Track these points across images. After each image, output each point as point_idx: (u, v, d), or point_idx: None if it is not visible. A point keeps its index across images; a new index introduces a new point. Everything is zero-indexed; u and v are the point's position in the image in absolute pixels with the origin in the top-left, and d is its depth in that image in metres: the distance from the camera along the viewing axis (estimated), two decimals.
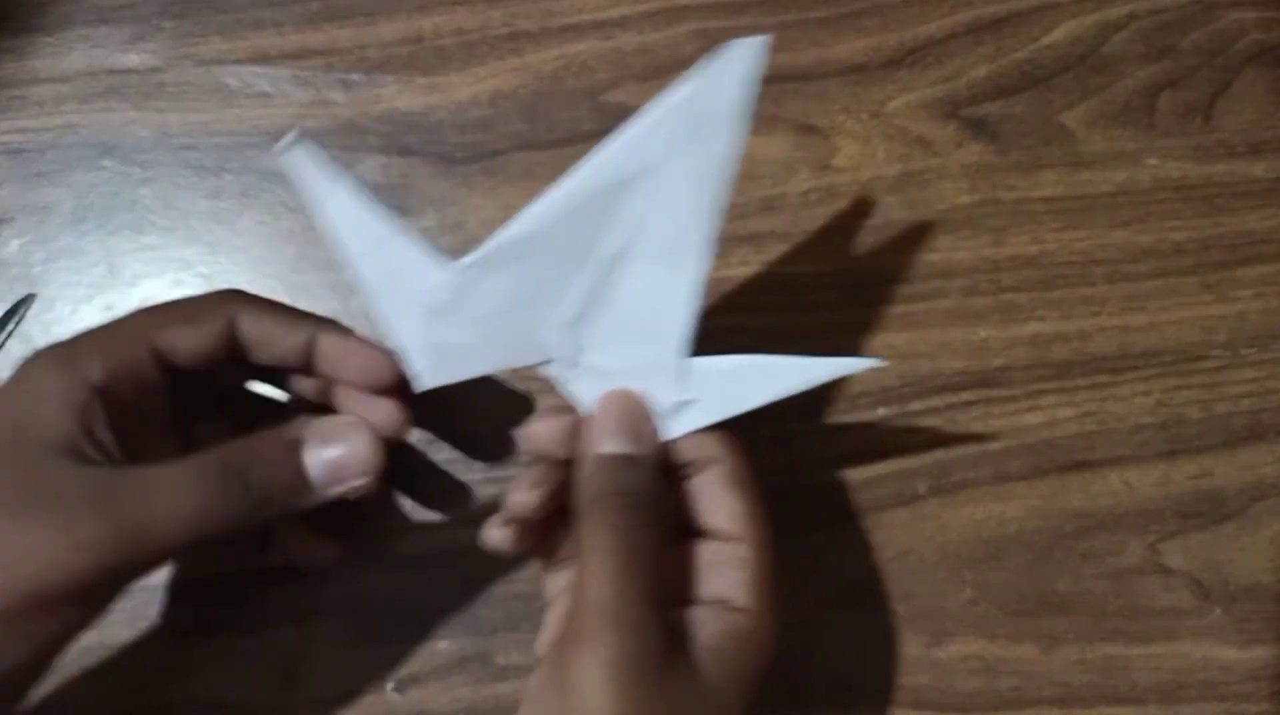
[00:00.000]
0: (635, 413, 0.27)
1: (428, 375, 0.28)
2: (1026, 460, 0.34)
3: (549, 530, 0.29)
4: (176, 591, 0.33)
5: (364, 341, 0.28)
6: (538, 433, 0.27)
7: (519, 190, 0.37)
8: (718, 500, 0.27)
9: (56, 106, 0.38)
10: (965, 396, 0.34)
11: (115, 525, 0.23)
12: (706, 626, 0.25)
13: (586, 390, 0.28)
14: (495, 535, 0.28)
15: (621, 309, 0.27)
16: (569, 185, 0.26)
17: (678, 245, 0.25)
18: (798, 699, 0.32)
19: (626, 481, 0.26)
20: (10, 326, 0.36)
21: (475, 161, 0.37)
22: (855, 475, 0.34)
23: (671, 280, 0.26)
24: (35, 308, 0.36)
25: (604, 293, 0.26)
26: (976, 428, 0.34)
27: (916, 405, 0.34)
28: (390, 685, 0.32)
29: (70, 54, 0.38)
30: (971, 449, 0.34)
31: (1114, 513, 0.34)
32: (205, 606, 0.33)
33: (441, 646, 0.33)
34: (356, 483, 0.27)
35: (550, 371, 0.28)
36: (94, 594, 0.25)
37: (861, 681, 0.32)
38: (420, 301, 0.27)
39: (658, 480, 0.26)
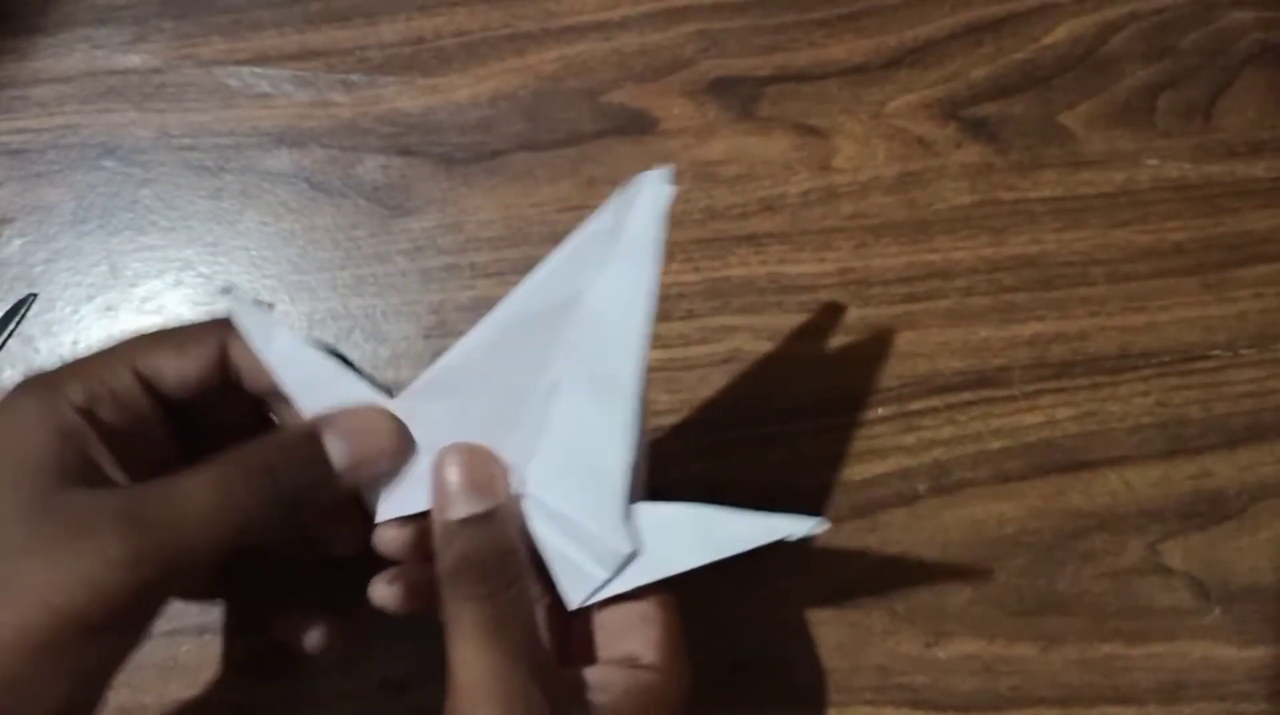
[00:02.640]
0: (477, 464, 0.25)
1: (382, 509, 0.27)
2: (1026, 460, 0.34)
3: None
4: None
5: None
6: (387, 541, 0.27)
7: (519, 190, 0.37)
8: None
9: (57, 107, 0.38)
10: (965, 396, 0.34)
11: (145, 538, 0.22)
12: (611, 685, 0.24)
13: (538, 528, 0.26)
14: (381, 593, 0.27)
15: (559, 443, 0.25)
16: (502, 312, 0.25)
17: (609, 377, 0.24)
18: (796, 698, 0.32)
19: (480, 546, 0.24)
20: (10, 326, 0.36)
21: (475, 162, 0.37)
22: (855, 475, 0.34)
23: (605, 416, 0.25)
24: (35, 308, 0.36)
25: (543, 425, 0.25)
26: (976, 428, 0.34)
27: (916, 405, 0.34)
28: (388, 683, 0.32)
29: (71, 54, 0.39)
30: (971, 449, 0.34)
31: (1114, 513, 0.34)
32: (205, 606, 0.33)
33: (441, 647, 0.33)
34: (380, 465, 0.26)
35: None
36: (132, 616, 0.23)
37: (860, 681, 0.32)
38: None
39: (514, 531, 0.25)
